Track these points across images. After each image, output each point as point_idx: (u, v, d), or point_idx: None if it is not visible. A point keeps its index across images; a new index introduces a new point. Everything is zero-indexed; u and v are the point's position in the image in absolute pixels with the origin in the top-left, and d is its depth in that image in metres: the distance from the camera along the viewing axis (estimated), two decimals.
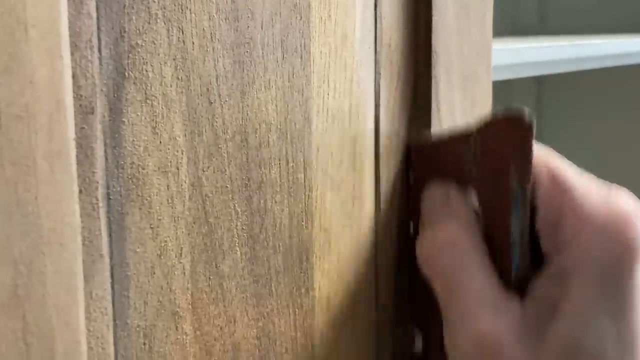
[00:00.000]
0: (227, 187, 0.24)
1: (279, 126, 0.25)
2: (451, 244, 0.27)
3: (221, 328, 0.24)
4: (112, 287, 0.21)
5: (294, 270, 0.26)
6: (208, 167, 0.23)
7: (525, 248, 0.26)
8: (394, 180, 0.30)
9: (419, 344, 0.32)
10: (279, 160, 0.26)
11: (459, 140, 0.28)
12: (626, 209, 0.25)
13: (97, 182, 0.20)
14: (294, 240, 0.26)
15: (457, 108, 0.31)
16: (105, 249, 0.21)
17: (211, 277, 0.24)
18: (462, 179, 0.28)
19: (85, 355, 0.20)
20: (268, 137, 0.25)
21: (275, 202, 0.26)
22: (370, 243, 0.29)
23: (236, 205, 0.24)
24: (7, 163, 0.18)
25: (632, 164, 0.96)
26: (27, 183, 0.18)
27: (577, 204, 0.26)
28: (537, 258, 0.27)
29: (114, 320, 0.21)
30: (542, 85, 1.03)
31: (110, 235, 0.21)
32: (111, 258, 0.21)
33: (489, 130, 0.27)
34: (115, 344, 0.21)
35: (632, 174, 0.94)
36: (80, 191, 0.20)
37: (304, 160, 0.26)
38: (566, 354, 0.25)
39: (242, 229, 0.25)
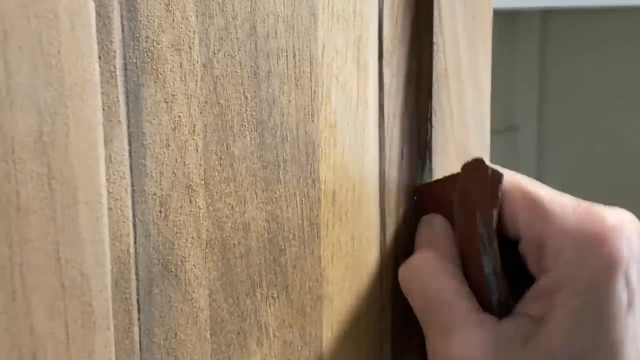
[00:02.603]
0: (237, 72, 0.25)
1: (286, 19, 0.27)
2: (427, 269, 0.29)
3: (232, 207, 0.26)
4: (130, 154, 0.22)
5: (300, 161, 0.28)
6: (219, 50, 0.25)
7: (500, 279, 0.28)
8: (397, 81, 0.31)
9: None
10: (286, 52, 0.27)
11: (451, 180, 0.31)
12: (603, 225, 0.26)
13: (115, 52, 0.22)
14: (300, 131, 0.28)
15: (459, 15, 0.32)
16: (123, 116, 0.22)
17: (222, 157, 0.25)
18: (449, 218, 0.31)
19: (106, 214, 0.22)
20: (276, 28, 0.26)
21: (283, 92, 0.27)
22: (375, 143, 0.31)
23: (245, 90, 0.26)
24: (32, 15, 0.19)
25: (635, 104, 0.96)
26: (50, 36, 0.19)
27: (556, 226, 0.27)
28: (525, 283, 0.28)
29: (132, 185, 0.23)
30: (546, 23, 1.04)
31: (127, 104, 0.22)
32: (128, 126, 0.22)
33: (465, 173, 0.30)
34: (133, 209, 0.23)
35: (634, 114, 0.94)
36: (100, 57, 0.21)
37: (310, 55, 0.28)
38: None
39: (252, 114, 0.26)
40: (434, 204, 0.31)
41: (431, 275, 0.29)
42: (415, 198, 0.33)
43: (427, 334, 0.29)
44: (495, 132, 0.37)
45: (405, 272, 0.30)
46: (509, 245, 0.28)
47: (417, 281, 0.29)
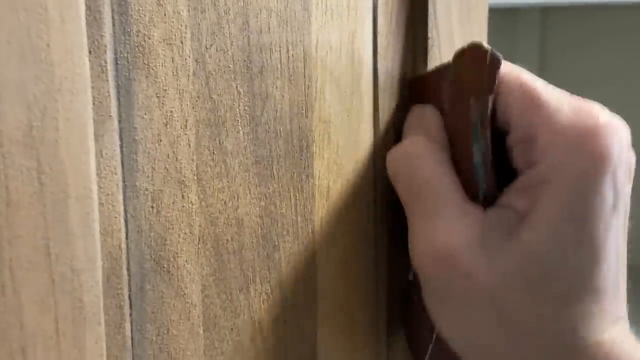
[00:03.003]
0: (229, 67, 0.25)
1: (279, 13, 0.26)
2: (415, 153, 0.28)
3: (225, 202, 0.25)
4: (121, 149, 0.22)
5: (294, 156, 0.28)
6: (211, 45, 0.24)
7: (489, 169, 0.27)
8: (391, 76, 0.31)
9: (411, 275, 0.32)
10: (280, 47, 0.27)
11: (441, 72, 0.30)
12: (596, 121, 0.26)
13: (105, 46, 0.22)
14: (294, 127, 0.28)
15: (454, 9, 0.32)
16: (114, 111, 0.22)
17: (215, 152, 0.25)
18: (440, 107, 0.30)
19: (97, 209, 0.22)
20: (269, 22, 0.26)
21: (276, 87, 0.27)
22: (369, 139, 0.30)
23: (238, 85, 0.25)
24: (20, 8, 0.19)
25: (634, 99, 0.96)
26: (39, 29, 0.19)
27: (549, 119, 0.26)
28: (510, 178, 0.27)
29: (124, 181, 0.22)
30: (546, 19, 1.03)
31: (118, 99, 0.22)
32: (120, 121, 0.22)
33: (459, 60, 0.28)
34: (124, 204, 0.23)
35: (635, 110, 0.94)
36: (90, 52, 0.21)
37: (303, 51, 0.27)
38: (524, 260, 0.25)
39: (245, 109, 0.26)
40: (425, 96, 0.30)
41: (421, 160, 0.28)
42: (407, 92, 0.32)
43: (412, 219, 0.28)
44: None
45: (394, 156, 0.29)
46: (497, 138, 0.27)
47: (406, 165, 0.28)
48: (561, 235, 0.25)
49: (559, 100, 0.27)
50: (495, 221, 0.27)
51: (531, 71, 0.28)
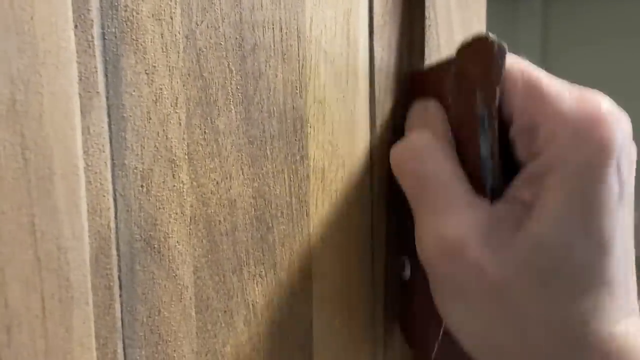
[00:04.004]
0: (221, 44, 0.25)
1: None
2: (421, 148, 0.28)
3: (217, 182, 0.25)
4: (109, 126, 0.22)
5: (288, 137, 0.27)
6: (202, 22, 0.24)
7: (496, 162, 0.27)
8: (388, 56, 0.30)
9: (407, 272, 0.32)
10: (273, 25, 0.26)
11: (443, 66, 0.29)
12: (599, 109, 0.25)
13: (92, 20, 0.21)
14: (288, 107, 0.27)
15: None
16: (101, 87, 0.22)
17: (207, 131, 0.25)
18: (443, 102, 0.29)
19: (84, 187, 0.21)
20: (261, 0, 0.26)
21: (269, 66, 0.26)
22: (366, 120, 0.30)
23: (230, 63, 0.25)
24: None
25: (637, 90, 0.95)
26: (22, 1, 0.19)
27: (552, 107, 0.26)
28: (514, 171, 0.27)
29: (112, 159, 0.22)
30: (548, 8, 1.03)
31: (106, 75, 0.22)
32: (107, 98, 0.22)
33: (463, 53, 0.28)
34: (113, 182, 0.22)
35: (637, 101, 0.93)
36: (76, 26, 0.21)
37: (297, 29, 0.27)
38: (533, 252, 0.25)
39: (237, 88, 0.25)
40: (426, 90, 0.30)
41: (426, 154, 0.28)
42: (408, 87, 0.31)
43: (419, 214, 0.27)
44: None
45: (399, 151, 0.29)
46: (500, 130, 0.27)
47: (412, 160, 0.28)
48: (568, 226, 0.25)
49: (561, 89, 0.26)
50: (503, 213, 0.26)
51: (532, 61, 0.28)
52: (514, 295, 0.25)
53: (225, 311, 0.26)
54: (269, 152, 0.27)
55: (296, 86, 0.27)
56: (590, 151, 0.25)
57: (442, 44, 0.32)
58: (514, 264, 0.25)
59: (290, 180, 0.27)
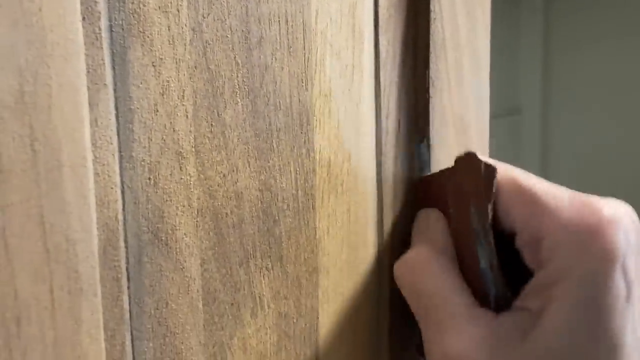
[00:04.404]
0: (227, 37, 0.25)
1: None
2: (420, 264, 0.29)
3: (224, 175, 0.25)
4: (117, 118, 0.22)
5: (294, 130, 0.27)
6: (208, 14, 0.24)
7: (496, 274, 0.27)
8: (393, 50, 0.30)
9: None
10: (279, 17, 0.26)
11: (445, 174, 0.30)
12: (599, 218, 0.26)
13: (100, 13, 0.21)
14: (294, 100, 0.27)
15: None
16: (109, 79, 0.22)
17: (213, 124, 0.25)
18: (445, 211, 0.30)
19: (92, 179, 0.21)
20: None
21: (275, 59, 0.26)
22: (371, 113, 0.30)
23: (236, 56, 0.25)
24: None
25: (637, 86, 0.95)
26: None
27: (552, 222, 0.26)
28: (524, 277, 0.27)
29: (120, 151, 0.22)
30: (550, 5, 1.03)
31: (113, 67, 0.22)
32: (115, 90, 0.22)
33: (458, 168, 0.29)
34: (121, 175, 0.22)
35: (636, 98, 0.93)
36: (84, 19, 0.21)
37: (303, 22, 0.27)
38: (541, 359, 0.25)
39: (243, 81, 0.25)
40: (430, 198, 0.31)
41: (426, 271, 0.29)
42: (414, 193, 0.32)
43: (424, 330, 0.28)
44: (498, 115, 0.36)
45: (401, 268, 0.30)
46: (505, 239, 0.28)
47: (412, 277, 0.29)
48: (575, 333, 0.25)
49: (558, 198, 0.27)
50: (509, 324, 0.27)
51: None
52: None
53: (232, 304, 0.26)
54: (275, 145, 0.27)
55: (302, 79, 0.27)
56: (593, 261, 0.25)
57: (447, 37, 0.32)
58: None
59: (297, 173, 0.27)
